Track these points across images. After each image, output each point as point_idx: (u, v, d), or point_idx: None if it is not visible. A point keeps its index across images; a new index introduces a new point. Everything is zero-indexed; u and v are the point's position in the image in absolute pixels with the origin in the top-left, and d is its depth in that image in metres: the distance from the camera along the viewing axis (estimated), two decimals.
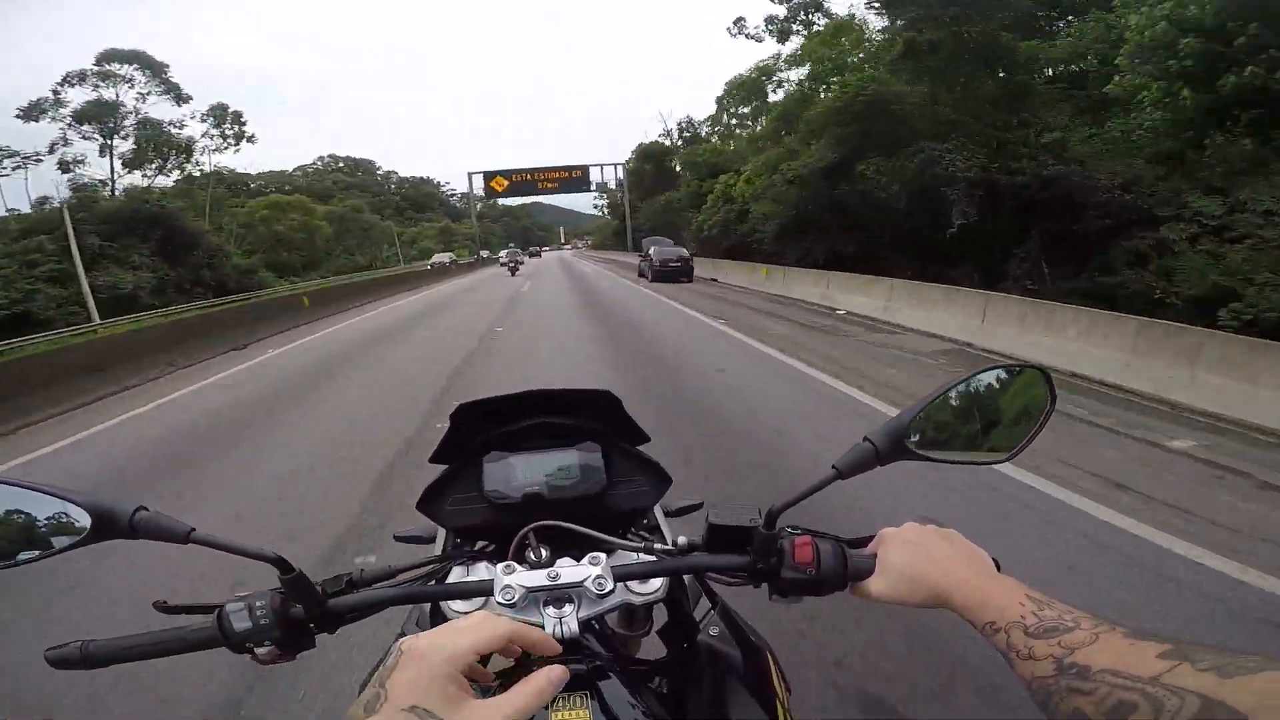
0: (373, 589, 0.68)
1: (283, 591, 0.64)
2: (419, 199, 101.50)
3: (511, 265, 32.15)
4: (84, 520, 0.59)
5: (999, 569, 0.59)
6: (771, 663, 0.77)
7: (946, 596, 0.56)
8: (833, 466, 0.63)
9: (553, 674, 0.45)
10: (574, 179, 52.83)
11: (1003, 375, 0.68)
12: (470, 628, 0.45)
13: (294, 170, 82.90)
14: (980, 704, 1.86)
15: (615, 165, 50.49)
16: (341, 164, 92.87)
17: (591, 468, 0.84)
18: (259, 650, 0.63)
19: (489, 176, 52.03)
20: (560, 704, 0.59)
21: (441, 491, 0.85)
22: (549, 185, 53.28)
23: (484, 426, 0.86)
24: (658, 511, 0.95)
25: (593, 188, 53.46)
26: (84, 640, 0.61)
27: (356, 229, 55.93)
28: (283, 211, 43.12)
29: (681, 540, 0.71)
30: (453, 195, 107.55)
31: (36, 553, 0.60)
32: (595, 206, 65.34)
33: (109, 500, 0.60)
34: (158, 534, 0.60)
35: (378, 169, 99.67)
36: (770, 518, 0.65)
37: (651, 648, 0.93)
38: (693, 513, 1.15)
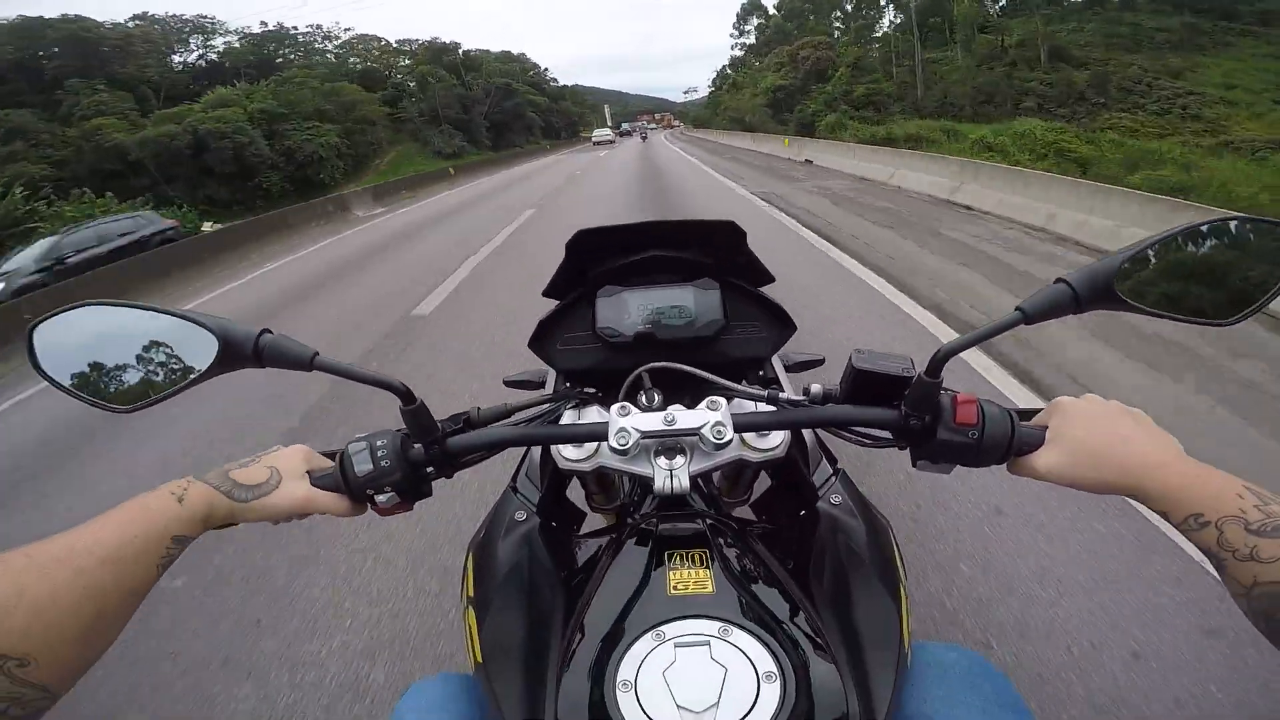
0: (489, 429, 0.66)
1: (404, 432, 0.62)
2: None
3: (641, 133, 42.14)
4: (212, 347, 0.57)
5: None
6: (893, 539, 0.73)
7: (1134, 481, 0.49)
8: (1017, 308, 0.56)
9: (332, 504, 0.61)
10: None
11: (1234, 228, 0.58)
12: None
13: None
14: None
15: None
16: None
17: (709, 307, 0.81)
18: (379, 498, 0.61)
19: None
20: (679, 562, 0.57)
21: (553, 329, 0.83)
22: None
23: (600, 258, 0.83)
24: (776, 362, 0.91)
25: None
26: None
27: None
28: None
29: (815, 388, 0.64)
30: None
31: (168, 389, 0.58)
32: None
33: (234, 324, 0.57)
34: (282, 360, 0.58)
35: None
36: (935, 364, 0.57)
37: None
38: (814, 368, 1.09)
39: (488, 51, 63.04)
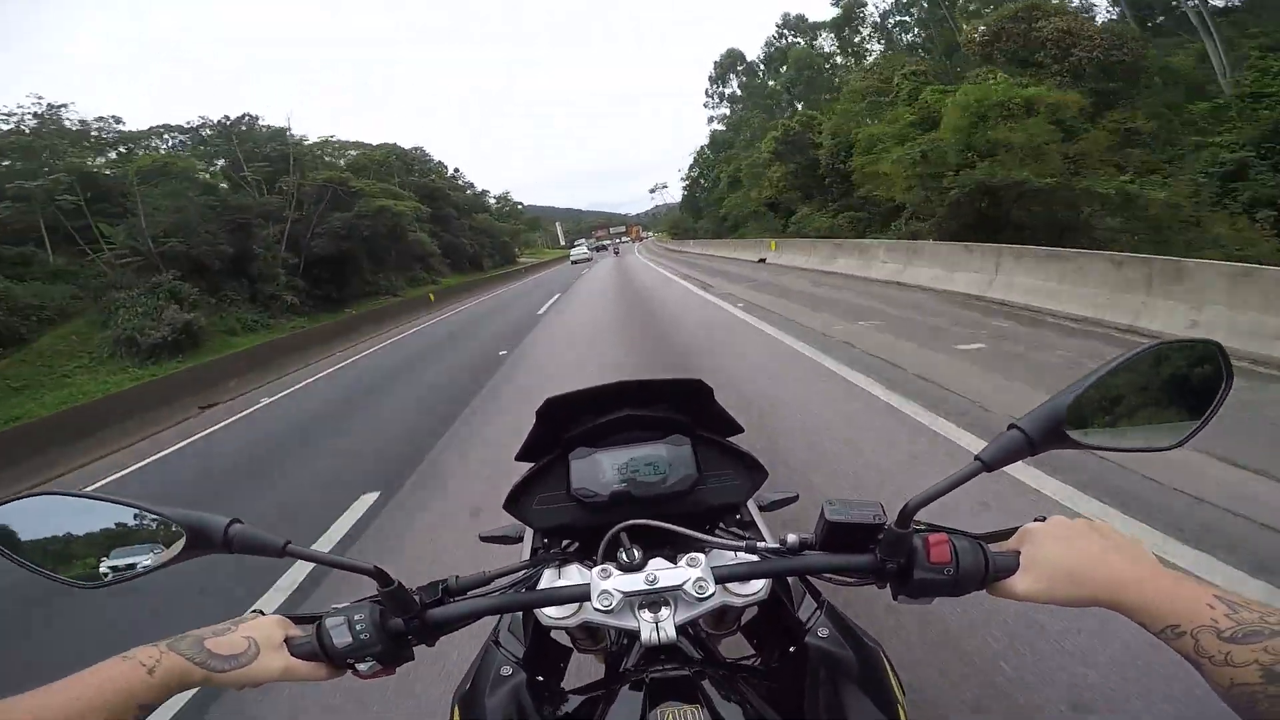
0: (469, 597, 0.68)
1: (380, 601, 0.62)
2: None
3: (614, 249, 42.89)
4: (179, 535, 0.59)
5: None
6: (887, 664, 0.74)
7: (1111, 595, 0.52)
8: (976, 458, 0.59)
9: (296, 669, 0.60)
10: None
11: (1168, 352, 0.62)
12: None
13: None
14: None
15: None
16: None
17: (682, 462, 0.82)
18: (360, 666, 0.61)
19: None
20: (672, 717, 0.57)
21: (528, 490, 0.85)
22: None
23: (571, 420, 0.85)
24: (751, 506, 0.94)
25: None
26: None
27: None
28: None
29: (791, 538, 0.67)
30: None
31: (131, 570, 0.60)
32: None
33: (202, 514, 0.59)
34: (252, 548, 0.59)
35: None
36: (905, 515, 0.60)
37: (731, 648, 0.92)
38: (787, 506, 1.14)
39: (362, 142, 38.20)
